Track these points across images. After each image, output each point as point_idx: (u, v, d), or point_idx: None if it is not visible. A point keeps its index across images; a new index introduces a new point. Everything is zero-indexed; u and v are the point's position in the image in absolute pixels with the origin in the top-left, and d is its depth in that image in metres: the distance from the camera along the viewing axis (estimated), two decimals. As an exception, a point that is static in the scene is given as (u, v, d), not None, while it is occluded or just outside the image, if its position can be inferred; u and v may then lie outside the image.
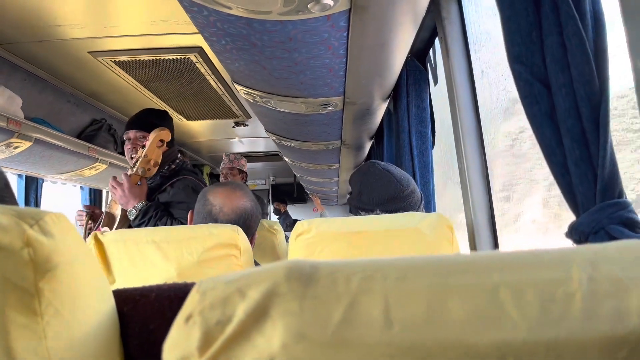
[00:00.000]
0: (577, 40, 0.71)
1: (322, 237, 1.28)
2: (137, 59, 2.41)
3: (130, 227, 1.91)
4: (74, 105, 2.90)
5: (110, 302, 0.54)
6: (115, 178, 1.92)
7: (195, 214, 1.42)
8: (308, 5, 1.06)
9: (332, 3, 1.06)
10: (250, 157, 5.22)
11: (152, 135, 1.92)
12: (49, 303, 0.44)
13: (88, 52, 2.32)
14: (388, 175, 1.41)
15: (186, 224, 1.79)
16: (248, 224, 1.41)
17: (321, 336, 0.31)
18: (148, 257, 1.23)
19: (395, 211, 1.37)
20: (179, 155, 2.13)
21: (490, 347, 0.30)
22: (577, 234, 0.74)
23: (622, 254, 0.34)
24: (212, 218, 1.37)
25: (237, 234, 1.27)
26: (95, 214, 2.13)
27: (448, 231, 1.27)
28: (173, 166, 2.03)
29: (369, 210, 1.38)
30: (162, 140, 1.96)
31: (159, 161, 1.95)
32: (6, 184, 0.71)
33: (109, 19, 2.04)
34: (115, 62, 2.45)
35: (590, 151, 0.74)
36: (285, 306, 0.32)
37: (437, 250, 1.26)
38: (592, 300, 0.31)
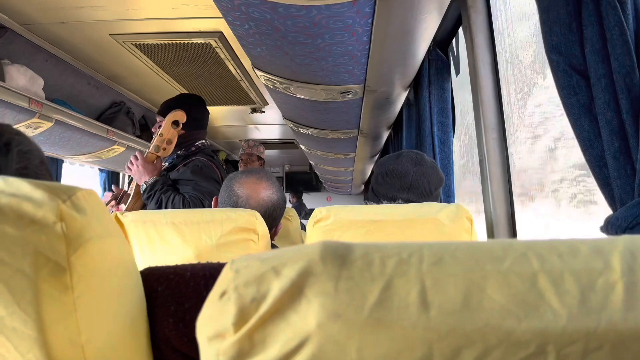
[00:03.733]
0: (617, 31, 0.69)
1: (340, 224, 1.28)
2: (158, 42, 2.42)
3: (144, 203, 1.99)
4: (93, 87, 2.92)
5: (138, 280, 0.55)
6: (133, 156, 2.01)
7: (220, 204, 1.40)
8: (334, -10, 1.05)
9: (358, -12, 1.05)
10: (266, 144, 5.23)
11: (168, 116, 2.01)
12: (80, 277, 0.45)
13: (109, 34, 2.33)
14: (437, 171, 1.41)
15: (192, 201, 1.85)
16: (274, 216, 1.40)
17: (357, 316, 0.31)
18: (166, 238, 1.24)
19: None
20: (205, 140, 2.18)
21: (530, 335, 0.30)
22: (614, 228, 0.73)
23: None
24: None
25: (255, 218, 1.27)
26: (119, 195, 2.18)
27: (467, 222, 1.27)
28: (193, 148, 2.08)
29: (395, 199, 1.37)
30: (176, 121, 2.01)
31: (174, 140, 2.02)
32: (42, 161, 0.72)
33: (131, 2, 2.04)
34: (136, 45, 2.46)
35: (629, 144, 0.73)
36: (321, 286, 0.32)
37: (456, 240, 1.25)
38: (633, 291, 0.30)
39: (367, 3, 1.15)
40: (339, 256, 0.34)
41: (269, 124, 4.40)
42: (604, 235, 0.77)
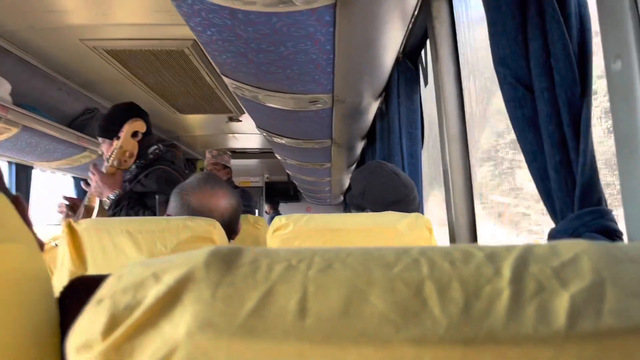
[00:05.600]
0: (560, 45, 0.69)
1: (299, 233, 1.26)
2: (130, 48, 2.40)
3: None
4: (65, 93, 2.87)
5: (48, 289, 0.52)
6: (91, 169, 1.93)
7: (172, 214, 1.36)
8: (291, -3, 1.04)
9: (315, -5, 1.04)
10: (245, 153, 5.20)
11: (126, 127, 1.91)
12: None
13: (80, 39, 2.30)
14: (396, 178, 1.39)
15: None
16: (234, 223, 1.37)
17: (229, 326, 0.29)
18: (120, 247, 1.21)
19: None
20: (158, 145, 2.10)
21: (407, 344, 0.29)
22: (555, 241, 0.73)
23: (558, 252, 0.32)
24: None
25: (213, 227, 1.25)
26: (75, 205, 2.11)
27: (426, 231, 1.26)
28: (151, 156, 2.01)
29: (369, 210, 1.36)
30: (136, 132, 1.95)
31: (135, 152, 1.95)
32: None
33: (103, 6, 2.02)
34: (107, 51, 2.44)
35: (570, 157, 0.73)
36: (198, 293, 0.30)
37: (415, 251, 1.25)
38: (518, 299, 0.29)
39: (327, 11, 1.15)
40: (225, 262, 0.32)
41: (247, 133, 4.38)
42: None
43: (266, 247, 0.37)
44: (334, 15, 1.18)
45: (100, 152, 2.75)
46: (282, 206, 6.31)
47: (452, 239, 1.47)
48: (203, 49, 2.22)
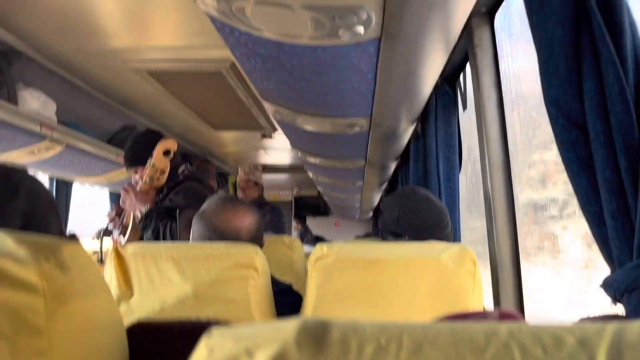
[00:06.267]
0: (617, 88, 0.68)
1: (341, 263, 1.26)
2: (170, 69, 2.46)
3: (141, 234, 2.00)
4: (105, 111, 2.96)
5: (122, 337, 0.54)
6: (124, 189, 2.02)
7: (197, 239, 1.38)
8: (339, 32, 1.06)
9: (362, 32, 1.05)
10: (275, 169, 5.24)
11: (158, 146, 2.01)
12: (59, 339, 0.44)
13: (123, 61, 2.37)
14: (429, 204, 1.39)
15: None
16: (258, 241, 1.41)
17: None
18: (165, 273, 1.24)
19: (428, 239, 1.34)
20: (186, 164, 2.19)
21: None
22: (612, 290, 0.71)
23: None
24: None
25: (256, 254, 1.26)
26: (121, 209, 2.20)
27: (471, 264, 1.25)
28: (181, 177, 2.10)
29: (400, 235, 1.36)
30: (168, 150, 2.02)
31: (167, 170, 2.04)
32: (50, 204, 0.71)
33: (146, 30, 2.08)
34: (149, 72, 2.50)
35: (628, 203, 0.71)
36: (293, 374, 0.31)
37: (459, 283, 1.23)
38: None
39: (372, 44, 1.16)
40: (315, 340, 0.33)
41: (278, 149, 4.42)
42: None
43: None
44: (378, 48, 1.19)
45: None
46: (310, 221, 6.33)
47: (494, 270, 1.45)
48: (245, 75, 2.28)
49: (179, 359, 0.55)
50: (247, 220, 1.38)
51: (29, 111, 2.15)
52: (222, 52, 2.27)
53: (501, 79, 1.44)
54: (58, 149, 2.40)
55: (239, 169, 3.53)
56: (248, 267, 1.25)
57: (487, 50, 1.45)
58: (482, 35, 1.45)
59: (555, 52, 0.78)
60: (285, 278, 2.19)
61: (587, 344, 0.32)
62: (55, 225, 0.72)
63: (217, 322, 0.61)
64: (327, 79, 1.38)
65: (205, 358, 0.33)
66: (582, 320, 0.57)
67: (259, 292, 1.28)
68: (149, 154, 2.04)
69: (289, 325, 0.34)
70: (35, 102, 2.24)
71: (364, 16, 1.01)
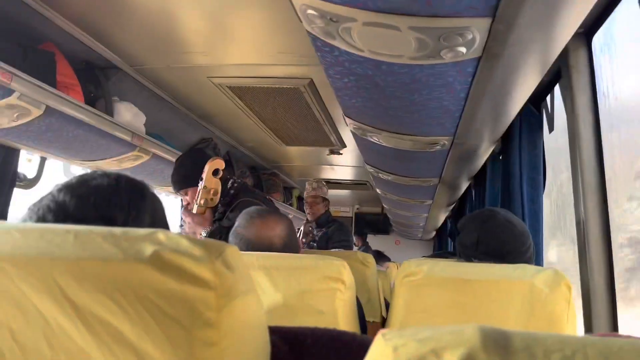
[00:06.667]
0: None
1: (430, 281, 1.26)
2: (251, 85, 2.56)
3: None
4: (186, 124, 3.11)
5: (266, 337, 0.57)
6: (184, 213, 2.07)
7: None
8: (441, 53, 1.08)
9: (464, 51, 1.07)
10: (338, 184, 5.29)
11: (207, 167, 2.04)
12: (226, 332, 0.48)
13: (207, 77, 2.49)
14: (511, 227, 1.35)
15: None
16: (293, 245, 1.45)
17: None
18: (258, 282, 1.28)
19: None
20: (233, 179, 2.21)
21: None
22: None
23: None
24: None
25: (343, 268, 1.29)
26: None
27: (566, 290, 1.21)
28: (232, 192, 2.12)
29: (481, 260, 1.34)
30: (217, 169, 2.06)
31: (219, 189, 2.07)
32: (164, 207, 0.78)
33: (229, 48, 2.18)
34: (230, 87, 2.61)
35: None
36: (485, 377, 0.32)
37: (552, 309, 1.20)
38: None
39: (471, 63, 1.17)
40: (500, 345, 0.34)
41: (343, 165, 4.47)
42: None
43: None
44: (477, 67, 1.20)
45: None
46: (370, 238, 6.30)
47: (586, 298, 1.40)
48: (325, 88, 2.33)
49: None
50: (277, 229, 1.42)
51: (123, 122, 2.29)
52: (301, 70, 2.35)
53: (598, 101, 1.41)
54: (145, 158, 2.54)
55: (307, 184, 3.58)
56: (336, 280, 1.28)
57: (583, 71, 1.43)
58: (578, 56, 1.42)
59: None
60: (359, 293, 2.21)
61: None
62: (168, 223, 0.79)
63: (348, 334, 0.63)
64: (418, 97, 1.40)
65: (390, 356, 0.36)
66: None
67: (345, 304, 1.30)
68: (195, 174, 2.08)
69: (470, 330, 0.36)
70: (128, 114, 2.39)
71: (469, 37, 1.02)
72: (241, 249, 1.41)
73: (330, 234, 3.34)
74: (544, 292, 1.20)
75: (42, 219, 0.65)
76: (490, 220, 1.38)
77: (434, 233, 5.88)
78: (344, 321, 1.28)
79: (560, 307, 1.19)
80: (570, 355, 0.33)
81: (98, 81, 2.33)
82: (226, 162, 3.69)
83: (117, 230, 0.50)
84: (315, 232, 3.47)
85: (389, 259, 5.12)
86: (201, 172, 2.06)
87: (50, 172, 2.60)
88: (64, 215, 0.65)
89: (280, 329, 0.63)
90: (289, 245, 1.43)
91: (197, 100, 2.90)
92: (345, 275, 1.29)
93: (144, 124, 2.56)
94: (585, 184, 1.40)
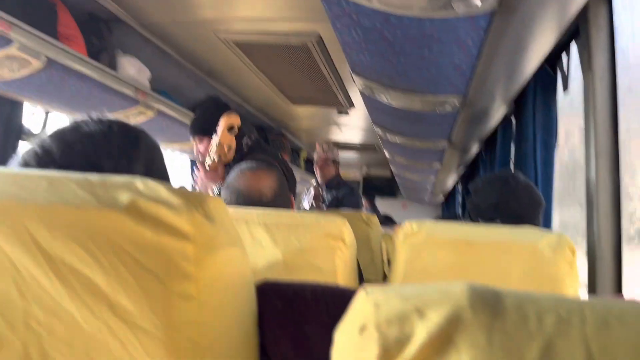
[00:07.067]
0: None
1: (432, 242, 1.24)
2: (257, 41, 2.49)
3: None
4: (192, 81, 3.06)
5: (253, 292, 0.55)
6: (197, 166, 2.03)
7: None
8: (453, 4, 1.02)
9: (479, 4, 1.01)
10: (346, 146, 5.24)
11: (222, 122, 1.99)
12: (205, 284, 0.46)
13: (213, 32, 2.43)
14: (530, 191, 1.33)
15: None
16: (282, 198, 1.43)
17: (516, 378, 0.28)
18: (258, 238, 1.27)
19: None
20: (249, 136, 2.15)
21: None
22: None
23: None
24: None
25: (344, 226, 1.27)
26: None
27: (569, 254, 1.18)
28: (245, 150, 2.08)
29: (493, 219, 1.31)
30: (232, 126, 2.01)
31: (233, 145, 2.02)
32: (162, 156, 0.75)
33: (235, 1, 2.11)
34: (236, 43, 2.55)
35: None
36: (472, 336, 0.30)
37: (555, 272, 1.17)
38: None
39: (484, 17, 1.11)
40: (489, 304, 0.32)
41: (352, 127, 4.40)
42: None
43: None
44: (490, 22, 1.14)
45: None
46: (377, 201, 6.28)
47: (592, 261, 1.37)
48: (333, 45, 2.26)
49: (311, 319, 0.56)
50: (268, 180, 1.42)
51: (126, 77, 2.25)
52: (309, 26, 2.27)
53: (616, 60, 1.34)
54: (150, 114, 2.51)
55: (317, 146, 3.53)
56: (336, 238, 1.26)
57: (602, 29, 1.35)
58: (598, 13, 1.34)
59: None
60: (361, 253, 2.20)
61: None
62: (168, 177, 0.76)
63: (349, 290, 0.61)
64: (428, 53, 1.34)
65: (371, 312, 0.33)
66: None
67: (345, 263, 1.28)
68: (215, 123, 2.03)
69: (457, 289, 0.33)
70: (132, 69, 2.35)
71: (482, -14, 0.97)
72: (233, 201, 1.40)
73: (341, 198, 3.31)
74: (547, 255, 1.17)
75: (25, 164, 0.62)
76: (511, 182, 1.35)
77: (442, 197, 5.85)
78: (344, 280, 1.27)
79: (563, 270, 1.17)
80: (565, 316, 0.31)
81: (101, 34, 2.28)
82: (233, 120, 3.67)
83: (94, 177, 0.47)
84: (325, 195, 3.44)
85: (395, 223, 5.11)
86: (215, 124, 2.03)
87: (55, 126, 2.59)
88: (48, 161, 0.63)
89: (278, 285, 0.61)
90: (280, 197, 1.42)
91: (203, 57, 2.84)
92: (345, 234, 1.27)
93: (149, 80, 2.52)
94: (598, 147, 1.36)
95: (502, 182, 1.35)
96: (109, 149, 0.66)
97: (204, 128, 2.12)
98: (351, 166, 6.61)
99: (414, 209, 6.95)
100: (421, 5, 1.05)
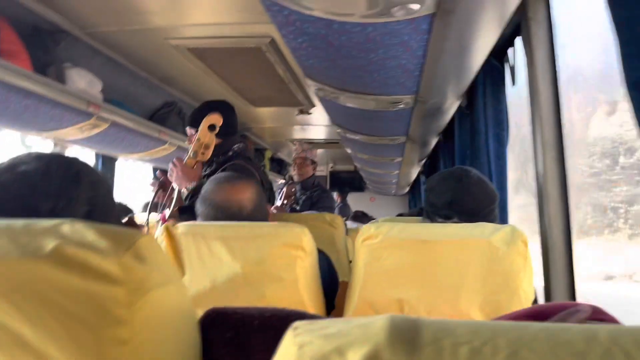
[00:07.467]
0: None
1: (389, 243, 1.25)
2: (210, 46, 2.46)
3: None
4: (147, 88, 3.00)
5: (195, 326, 0.55)
6: (174, 161, 2.01)
7: (201, 216, 1.41)
8: (392, 10, 1.03)
9: (417, 7, 1.02)
10: (311, 143, 5.24)
11: (203, 120, 1.99)
12: (140, 328, 0.45)
13: (164, 38, 2.39)
14: (484, 186, 1.35)
15: None
16: (260, 210, 1.43)
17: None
18: (216, 252, 1.26)
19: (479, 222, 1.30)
20: (240, 143, 2.16)
21: None
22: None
23: None
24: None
25: (304, 234, 1.27)
26: (165, 182, 2.22)
27: (522, 245, 1.21)
28: (230, 153, 2.08)
29: (450, 217, 1.33)
30: (213, 125, 2.00)
31: (212, 145, 2.01)
32: (108, 190, 0.73)
33: (186, 8, 2.08)
34: (189, 49, 2.51)
35: None
36: (388, 376, 0.31)
37: (509, 265, 1.21)
38: None
39: (425, 20, 1.12)
40: (408, 340, 0.32)
41: (315, 125, 4.41)
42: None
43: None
44: (431, 24, 1.15)
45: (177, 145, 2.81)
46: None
47: (545, 251, 1.41)
48: (288, 53, 2.25)
49: (258, 348, 0.56)
50: (247, 192, 1.41)
51: (76, 90, 2.19)
52: (261, 28, 2.26)
53: (556, 54, 1.38)
54: (104, 126, 2.45)
55: (297, 145, 3.51)
56: (296, 247, 1.26)
57: (542, 23, 1.39)
58: (537, 8, 1.38)
59: (636, 32, 0.74)
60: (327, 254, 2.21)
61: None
62: (115, 211, 0.74)
63: (296, 314, 0.61)
64: (375, 56, 1.35)
65: (295, 355, 0.34)
66: None
67: (306, 271, 1.29)
68: (201, 119, 2.03)
69: (379, 324, 0.34)
70: (82, 81, 2.28)
71: (419, -8, 0.98)
72: (210, 215, 1.38)
73: (315, 200, 3.33)
74: (501, 249, 1.20)
75: None
76: (464, 179, 1.36)
77: (408, 188, 5.92)
78: (305, 288, 1.27)
79: (517, 262, 1.20)
80: (479, 347, 0.32)
81: (47, 47, 2.21)
82: (193, 126, 3.61)
83: (18, 223, 0.46)
84: (299, 195, 3.44)
85: (372, 219, 5.15)
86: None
87: (4, 144, 2.50)
88: None
89: (225, 313, 0.60)
90: (258, 208, 1.42)
91: (157, 64, 2.79)
92: (305, 242, 1.27)
93: (101, 91, 2.45)
94: (544, 139, 1.40)
95: (455, 180, 1.36)
96: (46, 189, 0.64)
97: (192, 120, 2.12)
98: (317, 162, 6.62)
99: (382, 202, 7.02)
100: (361, 12, 1.05)
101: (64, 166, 0.68)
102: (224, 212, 1.35)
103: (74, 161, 0.69)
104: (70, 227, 0.46)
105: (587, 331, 0.32)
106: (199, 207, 1.42)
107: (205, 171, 2.12)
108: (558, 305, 0.50)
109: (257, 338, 0.56)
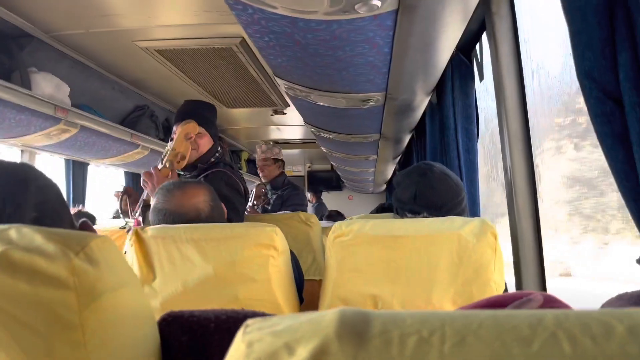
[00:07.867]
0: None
1: (360, 239, 1.26)
2: (180, 47, 2.43)
3: None
4: (118, 92, 2.96)
5: (153, 329, 0.54)
6: (146, 172, 1.95)
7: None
8: (355, 6, 1.03)
9: (379, 4, 1.02)
10: (288, 143, 5.23)
11: (178, 129, 1.94)
12: (93, 333, 0.44)
13: (132, 41, 2.35)
14: (447, 180, 1.36)
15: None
16: (214, 216, 1.40)
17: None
18: (187, 255, 1.24)
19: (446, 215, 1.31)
20: (219, 150, 2.13)
21: None
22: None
23: None
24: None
25: (275, 234, 1.26)
26: (130, 192, 2.17)
27: (492, 238, 1.23)
28: (212, 160, 2.04)
29: (418, 212, 1.34)
30: (189, 134, 1.97)
31: (188, 154, 1.96)
32: (58, 194, 0.71)
33: (154, 9, 2.06)
34: (158, 51, 2.48)
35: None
36: (336, 369, 0.30)
37: (480, 257, 1.22)
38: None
39: (389, 17, 1.13)
40: (355, 332, 0.32)
41: (290, 125, 4.40)
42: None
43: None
44: (395, 20, 1.16)
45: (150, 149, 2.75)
46: (323, 195, 6.32)
47: (515, 242, 1.43)
48: (258, 52, 2.24)
49: (214, 351, 0.55)
50: (200, 195, 1.38)
51: (42, 95, 2.14)
52: (231, 29, 2.24)
53: (520, 48, 1.40)
54: (73, 131, 2.40)
55: (257, 148, 3.49)
56: (268, 247, 1.25)
57: (505, 18, 1.41)
58: (500, 3, 1.40)
59: (589, 23, 0.75)
60: (303, 254, 2.21)
61: (637, 332, 0.31)
62: (67, 215, 0.73)
63: (253, 313, 0.60)
64: (342, 53, 1.35)
65: (244, 353, 0.33)
66: (620, 296, 0.56)
67: (279, 270, 1.28)
68: (191, 114, 2.00)
69: (328, 317, 0.33)
70: (48, 86, 2.24)
71: (380, -12, 0.98)
72: (166, 224, 1.35)
73: (285, 198, 3.30)
74: (471, 242, 1.22)
75: None
76: (427, 174, 1.38)
77: (385, 186, 5.96)
78: (279, 287, 1.27)
79: (487, 255, 1.22)
80: (427, 337, 0.32)
81: (11, 52, 2.16)
82: (166, 128, 3.58)
83: (-37, 230, 0.45)
84: (270, 195, 3.41)
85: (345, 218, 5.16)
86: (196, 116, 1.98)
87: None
88: None
89: (182, 317, 0.59)
90: (216, 209, 1.40)
91: (126, 67, 2.75)
92: (277, 242, 1.26)
93: (69, 95, 2.41)
94: (511, 132, 1.42)
95: (419, 175, 1.38)
96: None
97: (175, 120, 2.07)
98: (295, 162, 6.62)
99: (360, 200, 7.05)
100: (325, 9, 1.05)
101: (10, 172, 0.66)
102: (182, 219, 1.32)
103: (21, 167, 0.68)
104: (17, 232, 0.44)
105: (533, 317, 0.33)
106: (153, 218, 1.37)
107: (187, 176, 2.07)
108: (515, 294, 0.51)
109: (214, 340, 0.56)
